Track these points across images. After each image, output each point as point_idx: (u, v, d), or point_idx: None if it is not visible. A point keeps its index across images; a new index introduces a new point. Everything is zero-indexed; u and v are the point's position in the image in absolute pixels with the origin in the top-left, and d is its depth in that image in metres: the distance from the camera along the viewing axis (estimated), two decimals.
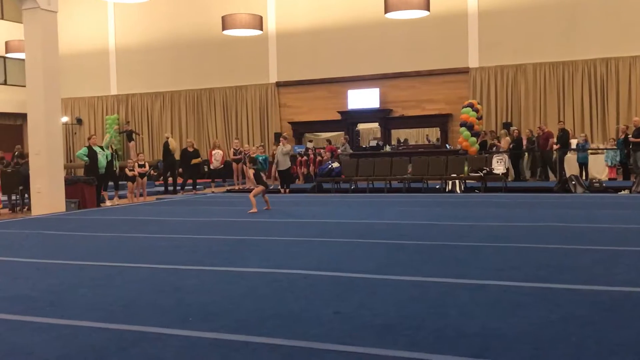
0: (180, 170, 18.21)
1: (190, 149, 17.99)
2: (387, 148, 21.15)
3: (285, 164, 16.81)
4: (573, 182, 14.40)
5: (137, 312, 4.46)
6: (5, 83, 26.56)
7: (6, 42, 22.22)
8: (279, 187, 17.01)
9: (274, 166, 17.19)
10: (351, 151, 20.16)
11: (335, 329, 3.92)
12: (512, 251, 6.57)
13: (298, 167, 20.01)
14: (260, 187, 11.31)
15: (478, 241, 7.22)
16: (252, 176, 11.49)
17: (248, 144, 21.93)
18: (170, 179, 18.26)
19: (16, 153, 20.72)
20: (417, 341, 3.62)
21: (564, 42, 19.90)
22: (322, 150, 20.57)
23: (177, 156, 18.51)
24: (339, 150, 19.90)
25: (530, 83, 20.43)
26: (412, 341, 3.62)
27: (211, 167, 19.44)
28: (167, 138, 18.49)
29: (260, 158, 16.94)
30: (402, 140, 22.65)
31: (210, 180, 19.66)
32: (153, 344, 3.73)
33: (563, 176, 15.65)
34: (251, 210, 10.98)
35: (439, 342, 3.60)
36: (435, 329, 3.84)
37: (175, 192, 17.32)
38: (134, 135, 24.42)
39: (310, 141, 22.71)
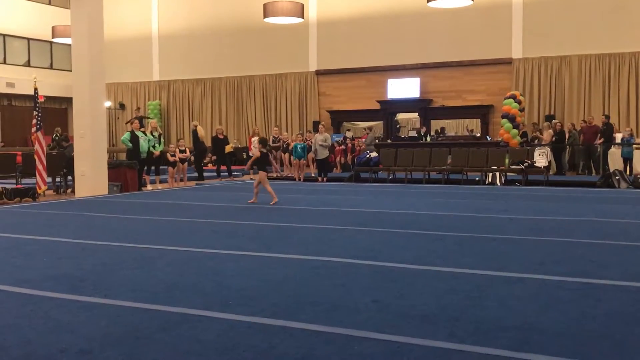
0: (214, 157, 18.41)
1: (221, 136, 18.21)
2: (429, 138, 20.90)
3: (322, 152, 16.84)
4: (617, 177, 14.10)
5: (178, 294, 4.54)
6: (51, 67, 27.17)
7: (53, 27, 22.68)
8: (317, 175, 17.08)
9: (311, 154, 17.24)
10: (376, 141, 20.04)
11: (374, 317, 3.92)
12: (554, 245, 6.47)
13: (336, 156, 20.02)
14: (263, 174, 10.79)
15: (518, 234, 7.14)
16: (255, 156, 10.79)
17: (287, 131, 22.02)
18: (212, 166, 18.49)
19: (55, 136, 21.20)
20: (456, 332, 3.61)
21: (611, 33, 19.41)
22: (359, 140, 20.53)
23: (206, 143, 18.75)
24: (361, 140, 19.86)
25: (575, 75, 20.00)
26: (451, 332, 3.61)
27: (250, 154, 19.56)
28: (195, 126, 18.60)
29: (299, 146, 17.01)
30: (439, 130, 22.41)
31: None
32: (194, 325, 3.79)
33: (606, 171, 15.33)
34: (250, 200, 10.69)
35: (478, 334, 3.58)
36: (475, 321, 3.82)
37: (202, 178, 17.45)
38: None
39: (349, 130, 22.67)
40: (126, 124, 25.45)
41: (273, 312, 4.03)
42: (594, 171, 17.18)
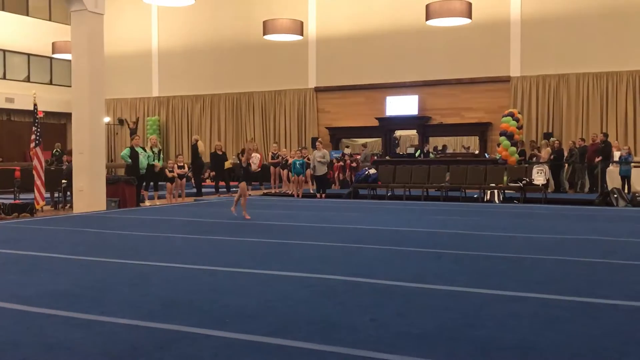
0: (213, 173, 18.42)
1: (220, 152, 18.21)
2: (431, 155, 20.81)
3: (321, 169, 16.84)
4: (615, 195, 14.11)
5: (175, 312, 4.52)
6: (50, 83, 27.24)
7: (53, 43, 22.78)
8: (315, 192, 17.07)
9: (309, 171, 17.25)
10: (374, 158, 20.09)
11: (372, 336, 3.91)
12: (552, 264, 6.46)
13: (335, 173, 20.04)
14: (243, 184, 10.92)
15: (517, 253, 7.13)
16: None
17: (285, 148, 22.05)
18: (211, 182, 18.48)
19: (55, 151, 21.27)
20: (455, 351, 3.59)
21: (608, 52, 19.53)
22: (358, 157, 20.58)
23: (205, 159, 18.78)
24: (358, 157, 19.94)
25: (573, 93, 20.09)
26: (450, 351, 3.59)
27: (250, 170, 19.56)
28: (196, 141, 18.49)
29: (297, 163, 17.03)
30: (439, 148, 22.42)
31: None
32: (191, 343, 3.77)
33: (605, 189, 15.34)
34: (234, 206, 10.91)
35: (477, 354, 3.56)
36: (473, 340, 3.80)
37: (201, 194, 17.42)
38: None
39: (347, 147, 22.71)
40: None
41: (270, 330, 4.02)
42: (587, 188, 17.23)
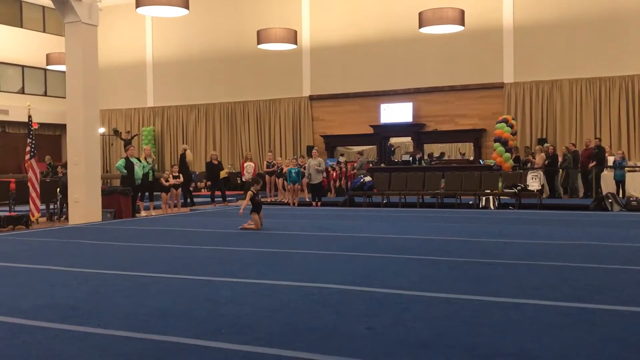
0: (209, 182, 18.44)
1: (215, 162, 18.23)
2: (423, 163, 20.84)
3: (316, 177, 16.85)
4: (610, 200, 14.15)
5: (172, 323, 4.50)
6: (45, 94, 27.22)
7: (47, 55, 22.78)
8: (311, 200, 17.08)
9: (305, 179, 17.26)
10: (369, 165, 20.11)
11: (369, 344, 3.90)
12: (548, 270, 6.47)
13: (330, 181, 20.05)
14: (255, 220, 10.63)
15: (513, 259, 7.14)
16: (247, 200, 10.51)
17: (281, 156, 22.07)
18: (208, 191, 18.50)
19: (49, 163, 21.29)
20: (452, 359, 3.59)
21: (601, 58, 19.64)
22: (352, 164, 20.61)
23: (193, 168, 18.78)
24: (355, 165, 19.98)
25: (566, 99, 20.18)
26: (447, 359, 3.59)
27: (243, 179, 19.60)
28: (185, 150, 18.21)
29: (293, 171, 17.04)
30: (435, 156, 22.44)
31: (242, 192, 19.81)
32: (188, 355, 3.76)
33: (599, 194, 15.39)
34: (248, 226, 10.64)
35: None
36: (471, 348, 3.80)
37: (193, 204, 17.35)
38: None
39: (342, 155, 22.74)
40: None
41: (267, 340, 4.01)
42: (582, 193, 17.28)
